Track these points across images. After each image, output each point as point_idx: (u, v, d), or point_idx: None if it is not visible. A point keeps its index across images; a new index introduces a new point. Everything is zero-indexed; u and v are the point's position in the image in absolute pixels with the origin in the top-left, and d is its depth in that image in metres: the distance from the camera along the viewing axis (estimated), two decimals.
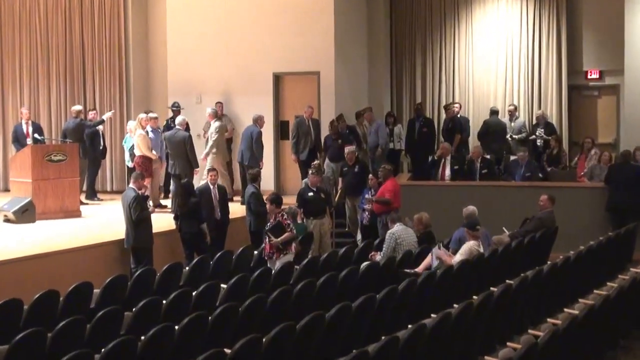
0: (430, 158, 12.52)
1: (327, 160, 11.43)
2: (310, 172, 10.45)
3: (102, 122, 12.03)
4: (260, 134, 11.82)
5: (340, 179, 11.40)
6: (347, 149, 11.17)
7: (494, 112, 12.97)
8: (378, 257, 8.55)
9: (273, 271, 7.49)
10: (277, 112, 13.27)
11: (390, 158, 12.89)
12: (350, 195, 11.19)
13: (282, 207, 8.86)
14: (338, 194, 11.09)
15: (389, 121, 13.39)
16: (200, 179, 11.08)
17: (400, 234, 8.56)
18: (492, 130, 12.65)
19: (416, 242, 8.65)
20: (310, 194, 10.29)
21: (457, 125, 12.84)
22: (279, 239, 8.39)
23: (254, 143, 11.74)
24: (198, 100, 13.43)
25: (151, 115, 11.69)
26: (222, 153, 11.81)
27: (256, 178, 10.02)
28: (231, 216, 10.29)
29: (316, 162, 10.99)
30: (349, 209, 11.33)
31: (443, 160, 11.62)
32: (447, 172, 11.50)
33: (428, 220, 8.95)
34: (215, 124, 11.69)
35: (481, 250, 7.82)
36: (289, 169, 13.15)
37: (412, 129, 13.11)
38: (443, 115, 13.60)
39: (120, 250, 9.00)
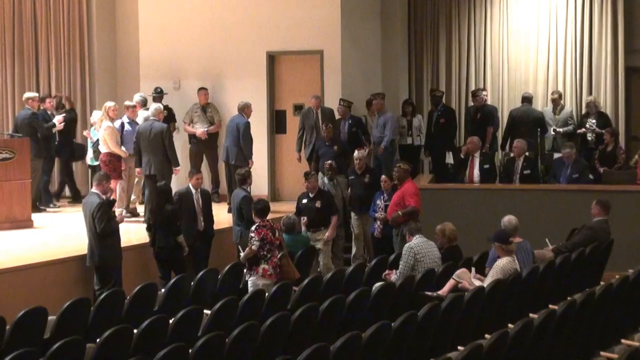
0: (449, 155, 12.74)
1: (319, 174, 11.21)
2: (306, 174, 10.58)
3: (53, 125, 12.01)
4: (247, 125, 11.91)
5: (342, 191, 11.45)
6: (357, 154, 11.11)
7: (525, 99, 12.99)
8: (393, 276, 8.60)
9: (267, 294, 7.54)
10: (271, 100, 13.38)
11: (408, 156, 13.02)
12: (359, 213, 11.10)
13: (281, 216, 9.17)
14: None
15: (407, 111, 13.50)
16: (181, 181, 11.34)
17: (420, 248, 8.61)
18: (518, 122, 12.74)
19: (439, 259, 8.70)
20: (305, 200, 10.41)
21: (488, 116, 12.96)
22: (242, 255, 8.49)
23: (241, 137, 11.83)
24: (176, 86, 13.58)
25: (127, 103, 11.83)
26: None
27: (245, 179, 10.12)
28: (217, 226, 10.38)
29: (328, 162, 11.01)
30: (356, 228, 11.19)
31: (471, 157, 11.61)
32: (476, 172, 11.54)
33: (453, 232, 9.02)
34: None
35: (517, 267, 7.85)
36: (287, 170, 13.30)
37: (430, 121, 13.28)
38: (468, 104, 13.85)
39: (82, 269, 9.02)
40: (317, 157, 11.77)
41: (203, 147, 12.99)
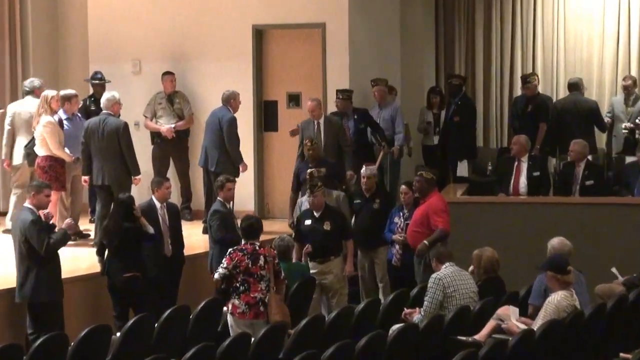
0: (462, 165, 12.98)
1: (302, 200, 10.86)
2: (308, 186, 10.46)
3: None
4: (233, 121, 12.00)
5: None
6: (365, 171, 11.01)
7: (573, 87, 13.08)
8: (417, 316, 8.63)
9: (252, 339, 7.56)
10: (258, 88, 13.38)
11: (434, 160, 13.05)
12: (365, 248, 11.04)
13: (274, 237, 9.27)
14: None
15: (433, 102, 13.61)
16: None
17: (451, 280, 8.64)
18: (564, 116, 12.87)
19: (476, 293, 8.74)
20: (308, 222, 10.36)
21: (541, 108, 13.06)
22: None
23: (226, 137, 11.89)
24: (136, 69, 13.61)
25: (66, 93, 11.83)
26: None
27: (222, 187, 10.31)
28: (189, 251, 10.45)
29: (315, 171, 10.70)
30: (364, 269, 11.13)
31: (517, 162, 11.68)
32: (523, 180, 11.62)
33: (493, 260, 9.05)
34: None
35: (576, 304, 7.87)
36: (279, 178, 13.22)
37: (445, 117, 13.51)
38: (514, 94, 14.01)
39: (10, 307, 8.95)
40: (298, 185, 11.45)
41: (170, 149, 13.04)
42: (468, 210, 11.26)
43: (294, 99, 13.37)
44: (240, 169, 11.81)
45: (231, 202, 10.34)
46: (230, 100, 12.09)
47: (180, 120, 13.05)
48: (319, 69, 13.12)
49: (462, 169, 13.13)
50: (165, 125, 12.98)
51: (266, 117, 13.47)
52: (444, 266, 8.76)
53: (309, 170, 10.76)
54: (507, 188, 11.68)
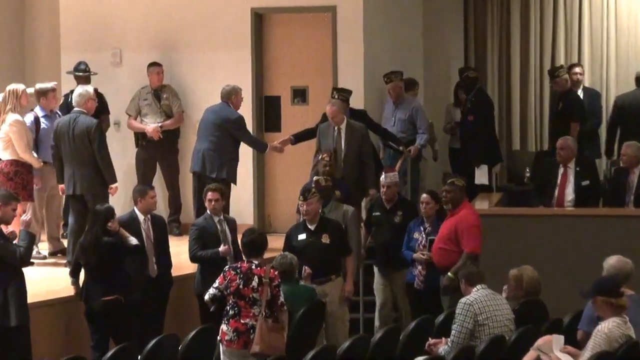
0: (480, 172, 12.96)
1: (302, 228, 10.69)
2: (301, 195, 10.44)
3: None
4: (241, 120, 12.14)
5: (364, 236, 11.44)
6: (384, 179, 11.00)
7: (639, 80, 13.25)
8: (443, 347, 8.60)
9: None
10: (258, 81, 13.39)
11: (463, 166, 13.13)
12: (385, 268, 11.08)
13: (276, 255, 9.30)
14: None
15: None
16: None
17: (483, 305, 8.62)
18: (628, 115, 12.89)
19: (512, 320, 8.71)
20: (302, 236, 10.35)
21: (572, 106, 13.06)
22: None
23: (242, 138, 12.10)
24: (116, 60, 13.62)
25: (41, 86, 11.84)
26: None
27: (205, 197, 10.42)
28: (177, 272, 10.44)
29: (323, 179, 10.81)
30: (381, 294, 11.14)
31: (563, 169, 11.70)
32: (570, 190, 11.63)
33: (534, 281, 9.02)
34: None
35: (631, 333, 7.78)
36: (282, 187, 13.34)
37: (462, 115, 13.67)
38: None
39: None
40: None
41: (156, 152, 13.07)
42: (503, 223, 11.26)
43: (300, 95, 13.41)
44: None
45: (220, 215, 10.35)
46: (232, 97, 12.17)
47: (168, 119, 13.05)
48: (329, 60, 13.13)
49: (481, 175, 13.13)
50: (151, 124, 12.96)
51: (267, 115, 13.47)
52: (475, 289, 8.73)
53: (315, 178, 10.88)
54: (549, 198, 11.67)
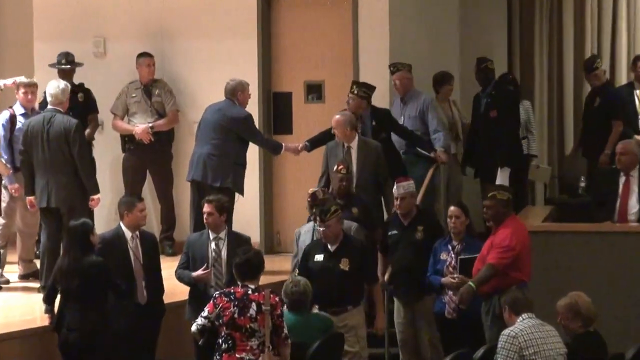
0: (502, 174, 12.95)
1: (300, 231, 11.11)
2: (318, 213, 10.49)
3: None
4: (249, 119, 12.20)
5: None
6: (397, 190, 10.97)
7: None
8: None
9: None
10: (265, 75, 13.45)
11: (478, 169, 13.34)
12: (406, 296, 11.08)
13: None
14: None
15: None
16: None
17: (529, 337, 8.57)
18: None
19: (564, 356, 8.67)
20: (320, 257, 10.39)
21: (611, 103, 13.16)
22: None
23: (248, 137, 12.14)
24: (99, 50, 13.69)
25: (19, 80, 11.98)
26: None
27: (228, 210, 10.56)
28: (170, 298, 10.45)
29: (320, 191, 11.02)
30: (402, 328, 11.15)
31: (625, 178, 11.62)
32: (634, 202, 11.53)
33: (590, 311, 8.89)
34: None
35: None
36: (292, 201, 13.34)
37: (475, 112, 13.61)
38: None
39: None
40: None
41: (146, 157, 13.12)
42: (553, 242, 11.17)
43: (315, 90, 13.44)
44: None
45: (219, 231, 10.31)
46: (237, 93, 12.19)
47: (160, 119, 13.10)
48: (349, 50, 13.20)
49: (503, 178, 13.04)
50: (140, 125, 13.00)
51: (276, 115, 13.55)
52: (521, 318, 8.70)
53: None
54: (610, 212, 11.59)
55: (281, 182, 13.60)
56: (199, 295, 9.85)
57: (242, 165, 12.23)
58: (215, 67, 12.98)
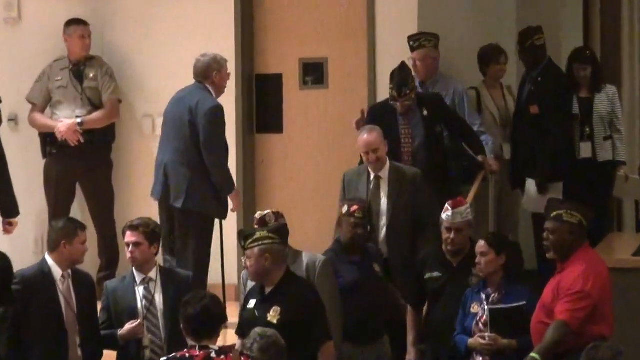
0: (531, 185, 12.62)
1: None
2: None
3: None
4: (216, 111, 11.34)
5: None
6: (450, 216, 10.26)
7: None
8: None
9: None
10: (246, 52, 12.72)
11: (576, 188, 12.21)
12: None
13: None
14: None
15: (582, 77, 12.65)
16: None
17: None
18: None
19: None
20: (252, 303, 9.75)
21: None
22: None
23: (203, 138, 11.38)
24: (11, 15, 12.79)
25: None
26: None
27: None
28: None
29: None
30: None
31: None
32: None
33: None
34: None
35: None
36: (290, 216, 12.94)
37: (518, 104, 13.06)
38: None
39: None
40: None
41: (74, 164, 12.30)
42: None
43: (315, 72, 12.59)
44: (230, 203, 11.41)
45: (151, 271, 9.57)
46: (212, 74, 11.37)
47: (94, 111, 12.16)
48: (361, 17, 12.39)
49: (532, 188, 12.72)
50: (66, 119, 12.07)
51: (260, 106, 12.83)
52: None
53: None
54: None
55: (267, 198, 12.73)
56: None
57: (224, 174, 11.60)
58: (177, 40, 12.22)
